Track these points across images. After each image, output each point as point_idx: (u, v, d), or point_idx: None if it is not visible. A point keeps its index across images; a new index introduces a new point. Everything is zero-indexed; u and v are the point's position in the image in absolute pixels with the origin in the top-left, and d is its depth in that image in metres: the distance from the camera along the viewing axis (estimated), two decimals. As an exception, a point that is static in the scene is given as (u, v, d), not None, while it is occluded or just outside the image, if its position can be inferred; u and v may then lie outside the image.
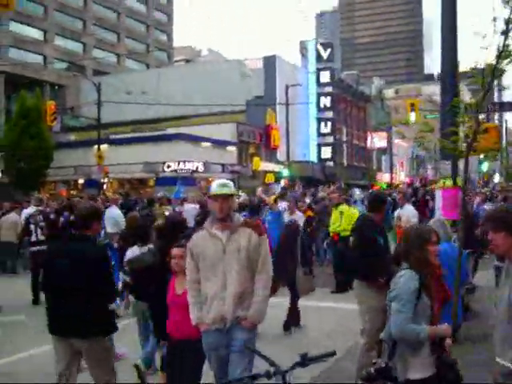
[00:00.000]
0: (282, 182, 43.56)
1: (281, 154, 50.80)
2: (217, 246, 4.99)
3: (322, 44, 64.96)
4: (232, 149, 45.93)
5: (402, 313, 4.15)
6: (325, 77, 61.81)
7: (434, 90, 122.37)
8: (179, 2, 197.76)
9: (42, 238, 13.57)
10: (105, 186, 37.19)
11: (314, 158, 60.77)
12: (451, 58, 10.48)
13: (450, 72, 10.51)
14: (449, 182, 10.22)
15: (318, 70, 61.87)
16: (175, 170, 37.66)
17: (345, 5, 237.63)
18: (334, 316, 11.04)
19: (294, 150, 47.83)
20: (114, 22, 72.18)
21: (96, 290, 5.35)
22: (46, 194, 38.60)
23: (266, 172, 48.21)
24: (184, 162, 38.15)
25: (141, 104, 46.72)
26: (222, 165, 42.38)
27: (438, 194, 10.28)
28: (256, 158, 47.89)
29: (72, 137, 48.83)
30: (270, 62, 55.88)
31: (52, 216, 14.93)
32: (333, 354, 3.59)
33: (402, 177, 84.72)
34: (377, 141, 78.68)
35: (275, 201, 16.56)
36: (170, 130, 42.40)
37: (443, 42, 10.44)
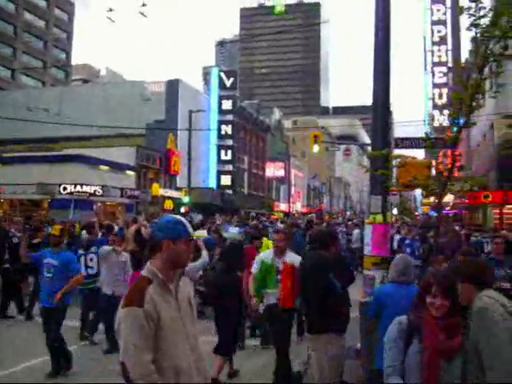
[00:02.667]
0: (183, 209, 42.76)
1: (180, 180, 50.05)
2: (175, 303, 3.90)
3: (225, 72, 65.04)
4: (131, 173, 44.74)
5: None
6: (227, 104, 61.83)
7: (329, 123, 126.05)
8: (79, 20, 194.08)
9: None
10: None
11: (213, 184, 60.39)
12: (383, 92, 10.28)
13: (381, 110, 10.31)
14: (379, 218, 9.97)
15: (221, 98, 61.82)
16: (71, 193, 36.08)
17: (245, 34, 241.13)
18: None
19: (194, 177, 47.23)
20: (11, 35, 69.49)
21: None
22: None
23: (165, 198, 47.32)
24: (81, 184, 36.62)
25: (39, 122, 44.77)
26: (121, 189, 41.10)
27: (368, 229, 10.00)
28: (155, 184, 46.98)
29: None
30: (172, 86, 55.32)
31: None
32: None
33: (298, 207, 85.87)
34: (274, 170, 79.47)
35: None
36: (68, 151, 40.76)
37: (375, 75, 10.21)
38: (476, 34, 8.04)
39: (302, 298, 7.11)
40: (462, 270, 4.45)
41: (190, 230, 3.99)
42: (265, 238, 14.39)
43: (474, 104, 7.87)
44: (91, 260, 11.98)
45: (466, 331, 3.96)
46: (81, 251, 12.17)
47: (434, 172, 10.14)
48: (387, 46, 10.21)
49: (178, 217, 4.08)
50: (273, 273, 8.49)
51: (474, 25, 8.03)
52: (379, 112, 10.28)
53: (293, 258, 8.43)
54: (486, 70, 7.84)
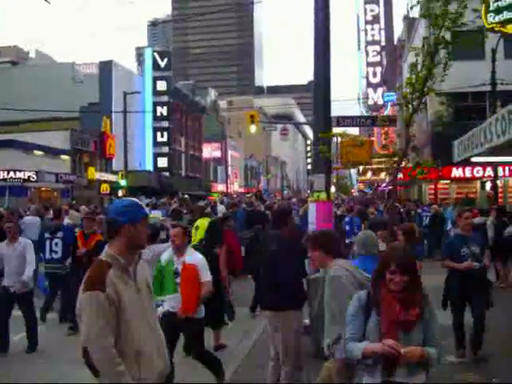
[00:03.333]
0: (120, 192, 42.22)
1: (116, 163, 49.35)
2: (134, 286, 3.88)
3: (158, 52, 64.18)
4: (66, 157, 43.80)
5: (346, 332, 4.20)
6: (161, 86, 61.17)
7: (264, 102, 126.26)
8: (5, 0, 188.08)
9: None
10: None
11: (150, 167, 59.81)
12: (323, 69, 10.41)
13: (323, 86, 10.40)
14: (322, 196, 10.15)
15: (155, 79, 61.08)
16: (5, 179, 35.12)
17: (178, 14, 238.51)
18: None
19: (131, 160, 46.60)
20: None
21: None
22: None
23: (101, 182, 46.62)
24: (15, 170, 35.68)
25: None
26: (56, 174, 40.21)
27: (312, 207, 10.15)
28: (91, 168, 46.17)
29: None
30: (105, 68, 54.39)
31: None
32: None
33: (236, 187, 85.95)
34: (211, 151, 79.27)
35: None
36: (0, 137, 39.55)
37: (316, 54, 10.31)
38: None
39: (270, 278, 6.79)
40: (314, 240, 5.41)
41: (147, 211, 4.00)
42: (201, 220, 14.31)
43: (425, 89, 8.04)
44: (56, 245, 12.07)
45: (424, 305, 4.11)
46: (47, 235, 12.28)
47: (376, 150, 10.33)
48: (327, 25, 10.27)
49: (133, 199, 4.05)
50: (171, 275, 7.25)
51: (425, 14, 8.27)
52: (321, 91, 10.37)
53: (195, 258, 7.30)
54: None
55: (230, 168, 79.04)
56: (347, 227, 16.87)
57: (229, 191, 69.35)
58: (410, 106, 8.21)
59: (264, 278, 6.99)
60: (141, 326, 3.75)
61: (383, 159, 12.38)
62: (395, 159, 8.85)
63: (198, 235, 13.42)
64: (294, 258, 6.85)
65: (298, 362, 6.66)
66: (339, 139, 11.16)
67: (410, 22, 39.47)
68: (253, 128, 36.72)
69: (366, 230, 7.66)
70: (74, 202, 33.46)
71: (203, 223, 13.94)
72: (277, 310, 6.62)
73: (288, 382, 6.56)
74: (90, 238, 11.62)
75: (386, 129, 35.94)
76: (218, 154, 79.70)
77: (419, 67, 8.05)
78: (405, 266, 4.05)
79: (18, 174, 35.90)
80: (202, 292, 7.10)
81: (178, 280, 7.12)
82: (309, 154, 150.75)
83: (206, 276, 7.22)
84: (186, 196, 33.32)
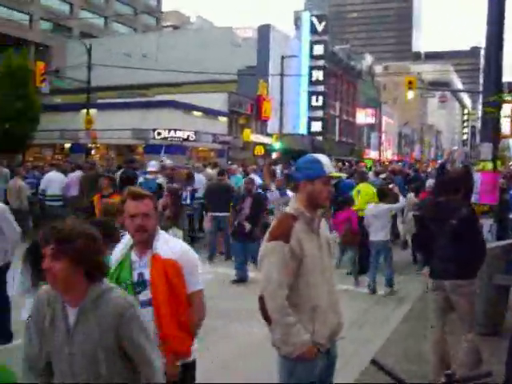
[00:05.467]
0: (274, 155, 42.73)
1: (271, 126, 49.91)
2: (317, 241, 3.84)
3: (316, 16, 63.73)
4: (223, 119, 44.90)
5: None
6: (318, 50, 60.92)
7: (421, 68, 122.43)
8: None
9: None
10: (93, 152, 36.06)
11: (303, 131, 59.97)
12: (496, 31, 9.94)
13: (495, 46, 9.94)
14: (488, 166, 9.63)
15: (312, 43, 60.83)
16: (165, 138, 36.58)
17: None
18: (354, 302, 10.17)
19: (285, 123, 46.96)
20: (103, -17, 70.24)
21: None
22: (30, 157, 37.61)
23: (255, 144, 47.35)
24: (175, 130, 37.08)
25: (132, 68, 45.34)
26: (213, 134, 41.35)
27: (477, 177, 9.66)
28: (246, 130, 46.98)
29: (58, 99, 47.41)
30: (263, 32, 54.76)
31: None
32: (488, 374, 2.72)
33: (388, 154, 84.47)
34: (365, 117, 78.17)
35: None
36: (161, 97, 41.20)
37: (489, 16, 9.89)
38: None
39: (452, 249, 6.18)
40: None
41: (329, 169, 3.85)
42: (364, 184, 14.03)
43: None
44: None
45: None
46: None
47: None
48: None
49: (316, 156, 3.95)
50: (126, 281, 3.85)
51: None
52: (492, 55, 10.02)
53: (173, 245, 3.96)
54: None
55: (383, 135, 77.72)
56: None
57: (381, 158, 68.28)
58: None
59: (444, 249, 6.46)
60: (319, 282, 3.75)
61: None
62: None
63: (360, 200, 13.24)
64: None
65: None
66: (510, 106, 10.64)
67: None
68: (410, 94, 35.77)
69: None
70: (230, 162, 34.16)
71: (365, 188, 13.73)
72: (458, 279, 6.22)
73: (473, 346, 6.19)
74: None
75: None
76: (371, 119, 78.47)
77: None
78: None
79: (178, 133, 37.25)
80: (194, 317, 3.93)
81: (146, 297, 3.83)
82: (465, 124, 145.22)
83: (197, 283, 3.97)
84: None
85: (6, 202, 13.14)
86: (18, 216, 15.58)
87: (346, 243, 12.25)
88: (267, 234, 3.73)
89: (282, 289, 3.57)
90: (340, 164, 33.48)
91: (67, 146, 40.91)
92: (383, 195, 11.41)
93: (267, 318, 3.60)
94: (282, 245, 3.59)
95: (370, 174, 18.50)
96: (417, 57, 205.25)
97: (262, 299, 3.60)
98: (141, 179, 14.63)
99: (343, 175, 14.11)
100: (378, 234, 11.09)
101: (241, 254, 11.99)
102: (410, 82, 35.69)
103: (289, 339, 3.58)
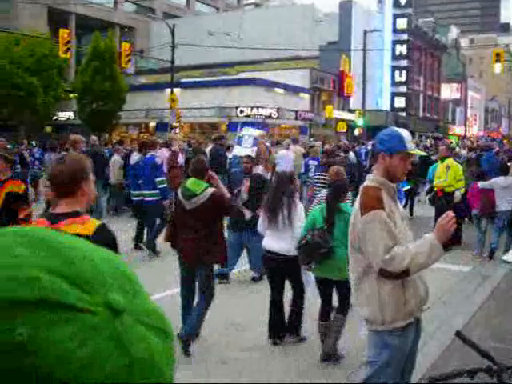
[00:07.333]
0: (357, 131, 42.31)
1: (353, 102, 49.41)
2: (399, 212, 3.92)
3: (399, -12, 62.32)
4: (305, 95, 44.74)
5: None
6: (401, 23, 59.63)
7: (509, 40, 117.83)
8: None
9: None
10: (177, 130, 36.71)
11: (387, 106, 59.01)
12: None
13: None
14: None
15: (395, 16, 59.58)
16: (248, 115, 36.85)
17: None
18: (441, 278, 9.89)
19: (368, 99, 46.37)
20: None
21: None
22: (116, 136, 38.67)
23: (338, 120, 46.99)
24: (257, 107, 37.28)
25: (215, 47, 45.73)
26: (296, 111, 41.30)
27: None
28: (329, 106, 46.68)
29: (142, 79, 48.45)
30: (345, 7, 54.06)
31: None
32: None
33: (474, 131, 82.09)
34: (450, 92, 76.13)
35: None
36: (243, 75, 41.46)
37: None
38: None
39: None
40: None
41: (409, 145, 3.88)
42: (451, 160, 13.70)
43: None
44: None
45: None
46: None
47: None
48: None
49: (398, 130, 3.99)
50: None
51: None
52: None
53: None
54: None
55: (469, 110, 75.60)
56: None
57: (467, 134, 66.50)
58: None
59: None
60: None
61: None
62: None
63: (449, 176, 12.98)
64: None
65: None
66: None
67: None
68: (497, 67, 34.78)
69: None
70: (312, 139, 34.02)
71: (452, 163, 13.44)
72: None
73: None
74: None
75: None
76: (457, 94, 76.36)
77: None
78: None
79: (261, 111, 37.43)
80: None
81: None
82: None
83: None
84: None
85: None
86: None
87: (483, 213, 12.52)
88: (360, 209, 3.75)
89: (392, 250, 3.60)
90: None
91: (152, 124, 41.79)
92: (507, 169, 12.46)
93: (401, 276, 3.63)
94: (381, 212, 3.66)
95: (458, 150, 18.09)
96: (505, 28, 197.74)
97: (382, 270, 3.62)
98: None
99: (423, 153, 13.93)
100: (505, 204, 11.93)
101: (238, 247, 9.74)
102: (497, 55, 34.69)
103: (431, 255, 3.58)
